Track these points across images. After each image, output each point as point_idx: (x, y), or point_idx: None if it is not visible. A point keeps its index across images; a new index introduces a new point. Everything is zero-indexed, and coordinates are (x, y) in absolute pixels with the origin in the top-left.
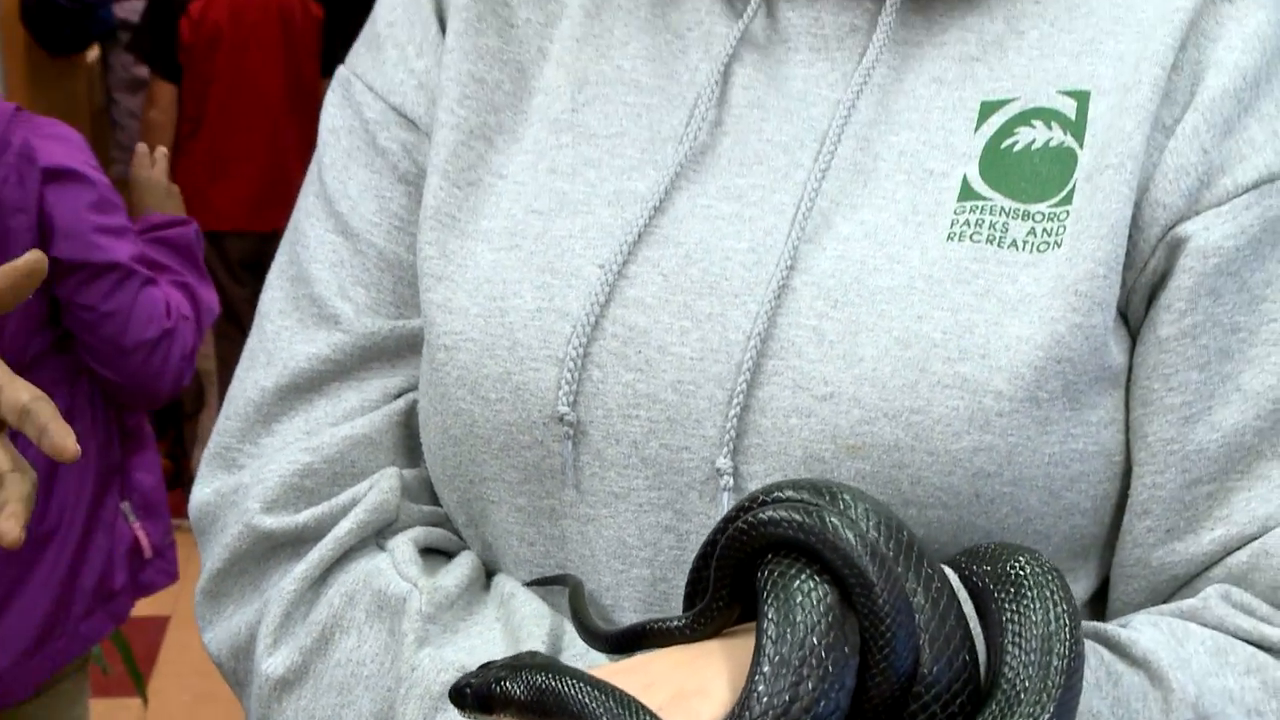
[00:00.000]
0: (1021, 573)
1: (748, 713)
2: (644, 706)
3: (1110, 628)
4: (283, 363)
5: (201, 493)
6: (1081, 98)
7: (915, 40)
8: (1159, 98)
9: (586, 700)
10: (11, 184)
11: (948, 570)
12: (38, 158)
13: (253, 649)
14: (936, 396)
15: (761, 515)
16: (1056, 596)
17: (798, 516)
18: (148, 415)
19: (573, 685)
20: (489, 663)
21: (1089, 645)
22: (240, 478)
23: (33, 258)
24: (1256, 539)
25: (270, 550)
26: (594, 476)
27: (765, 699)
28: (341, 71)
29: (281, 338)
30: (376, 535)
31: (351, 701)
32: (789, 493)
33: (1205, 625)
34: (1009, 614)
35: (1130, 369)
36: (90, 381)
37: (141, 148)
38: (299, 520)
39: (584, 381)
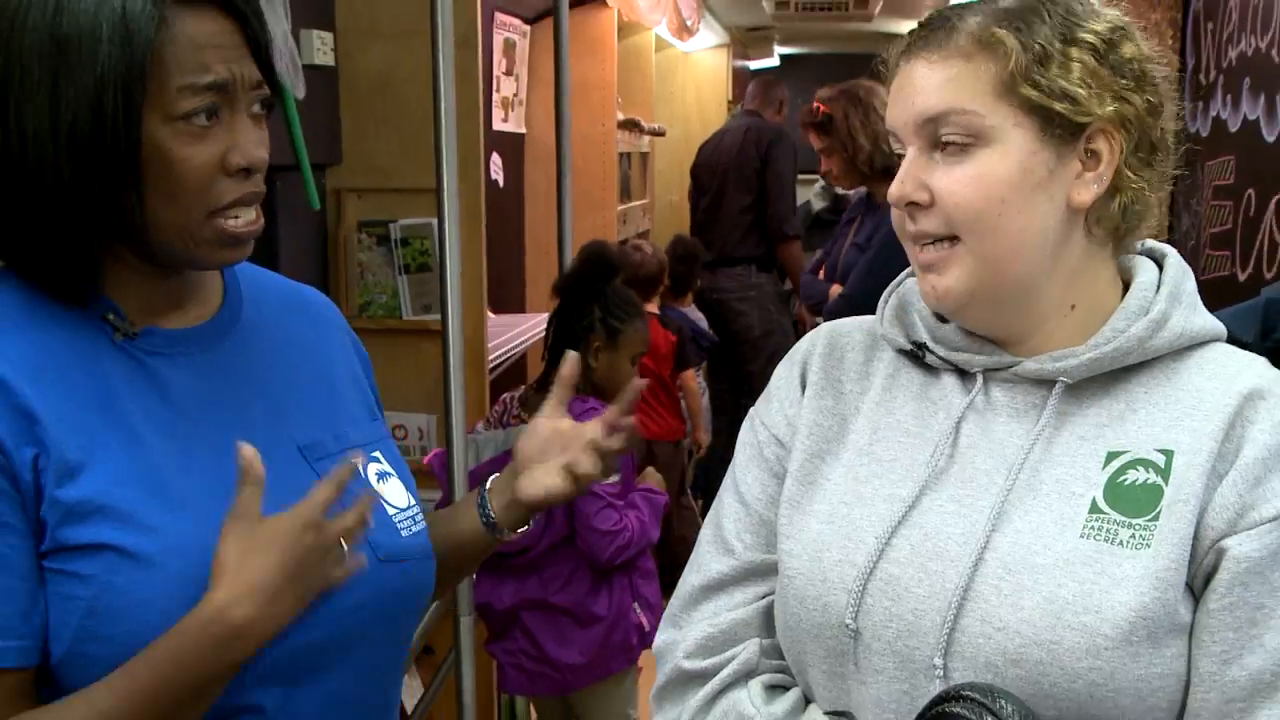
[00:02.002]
0: None
1: None
2: None
3: None
4: (705, 572)
5: (659, 639)
6: (1169, 454)
7: (1070, 412)
8: (1213, 458)
9: None
10: None
11: None
12: None
13: None
14: (1067, 635)
15: (949, 709)
16: None
17: (970, 715)
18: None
19: None
20: None
21: None
22: (676, 635)
23: None
24: None
25: (686, 680)
26: (864, 659)
27: None
28: (751, 411)
29: (706, 557)
30: (745, 677)
31: None
32: (969, 693)
33: None
34: None
35: (1192, 624)
36: None
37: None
38: (703, 665)
39: (862, 604)
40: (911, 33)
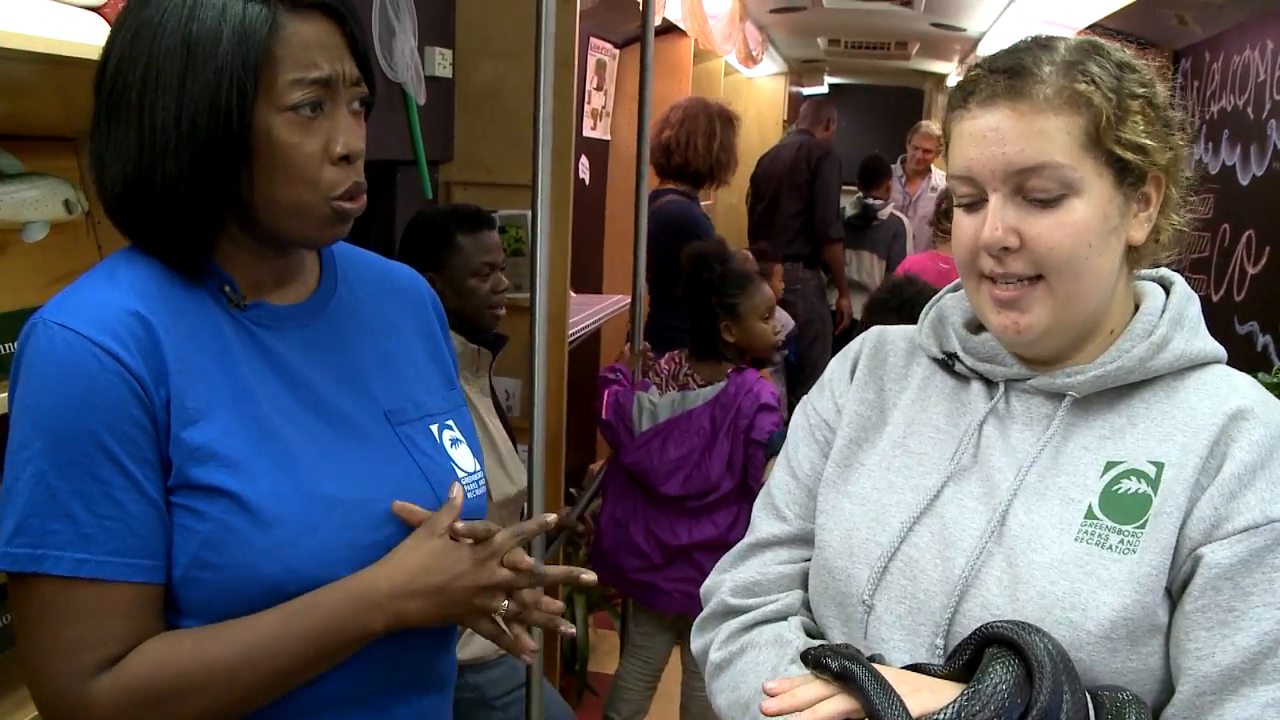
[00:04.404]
0: (1126, 699)
1: (952, 711)
2: (895, 691)
3: None
4: (757, 533)
5: (708, 581)
6: (1159, 466)
7: (1076, 424)
8: (1198, 472)
9: (864, 680)
10: (745, 412)
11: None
12: (759, 398)
13: (707, 650)
14: (1054, 629)
15: (999, 625)
16: (1144, 716)
17: (1020, 631)
18: None
19: (861, 670)
20: (832, 646)
21: None
22: (726, 577)
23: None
24: None
25: (727, 612)
26: (874, 631)
27: (964, 707)
28: (804, 399)
29: (760, 521)
30: (784, 617)
31: (747, 681)
32: (1019, 624)
33: None
34: (1114, 717)
35: (1170, 624)
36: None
37: None
38: (746, 603)
39: (882, 581)
40: (978, 75)
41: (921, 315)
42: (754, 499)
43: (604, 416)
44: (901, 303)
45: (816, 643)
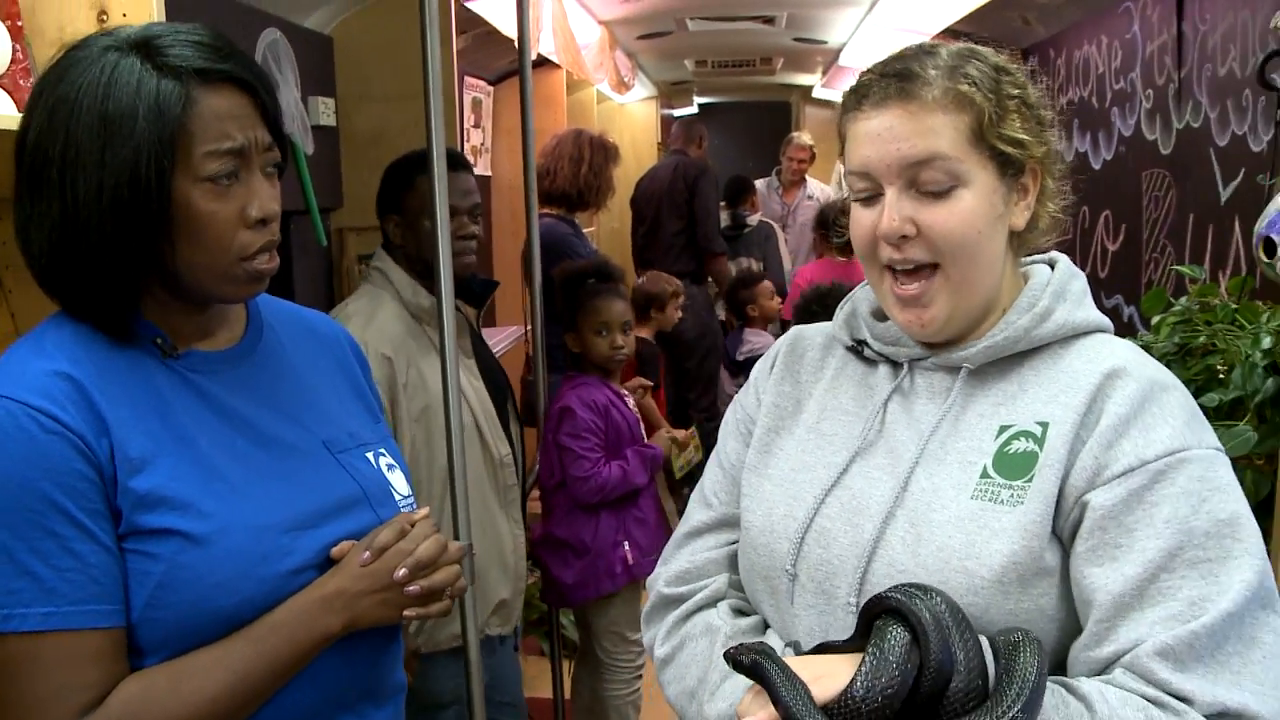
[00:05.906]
0: (1019, 638)
1: (850, 689)
2: (801, 681)
3: (1066, 678)
4: (689, 522)
5: (654, 572)
6: (1044, 425)
7: (972, 394)
8: (1077, 427)
9: (772, 674)
10: (552, 416)
11: (982, 637)
12: (562, 401)
13: (654, 644)
14: (952, 577)
15: (885, 594)
16: (1037, 651)
17: (902, 597)
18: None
19: (768, 664)
20: (747, 644)
21: (1053, 683)
22: (662, 569)
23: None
24: (1131, 650)
25: (665, 603)
26: (799, 598)
27: (860, 682)
28: (734, 398)
29: (691, 510)
30: (714, 601)
31: (690, 672)
32: (906, 587)
33: (1116, 686)
34: (1007, 658)
35: (1064, 565)
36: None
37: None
38: (678, 591)
39: (800, 552)
40: (869, 80)
41: (837, 310)
42: (576, 499)
43: None
44: (818, 311)
45: (744, 623)
